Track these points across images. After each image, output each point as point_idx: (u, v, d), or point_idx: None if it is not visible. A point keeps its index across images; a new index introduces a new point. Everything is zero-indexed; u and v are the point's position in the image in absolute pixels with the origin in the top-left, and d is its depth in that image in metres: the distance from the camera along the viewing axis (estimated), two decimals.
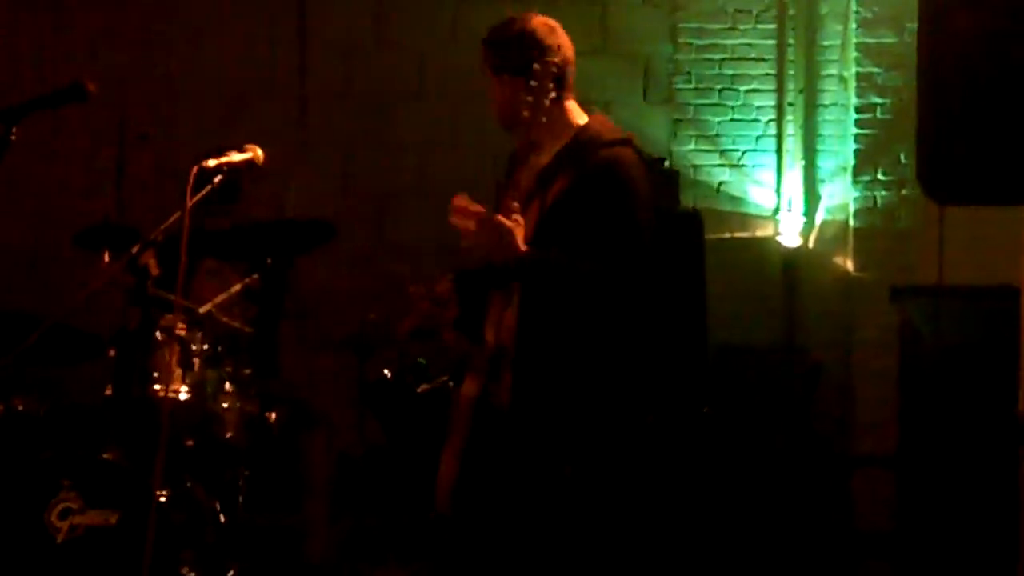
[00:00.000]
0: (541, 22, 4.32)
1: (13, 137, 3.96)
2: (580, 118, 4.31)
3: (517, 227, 4.12)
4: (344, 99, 7.61)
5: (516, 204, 4.18)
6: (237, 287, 5.72)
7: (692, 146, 7.64)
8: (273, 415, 5.67)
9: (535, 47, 4.26)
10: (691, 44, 7.72)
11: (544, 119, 4.28)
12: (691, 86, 7.70)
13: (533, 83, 4.25)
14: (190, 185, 4.14)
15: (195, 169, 4.20)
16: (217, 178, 4.34)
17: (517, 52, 4.27)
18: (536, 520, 4.15)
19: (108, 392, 5.36)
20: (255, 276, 5.72)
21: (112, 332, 5.49)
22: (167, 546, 4.89)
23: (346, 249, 6.82)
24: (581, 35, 7.32)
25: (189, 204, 4.13)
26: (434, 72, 7.61)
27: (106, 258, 5.42)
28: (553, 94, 4.26)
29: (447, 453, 4.41)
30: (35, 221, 7.42)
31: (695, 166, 7.60)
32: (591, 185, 4.12)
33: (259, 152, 4.47)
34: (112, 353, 5.41)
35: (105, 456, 5.15)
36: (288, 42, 7.67)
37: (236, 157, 4.40)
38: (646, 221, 4.15)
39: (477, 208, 4.23)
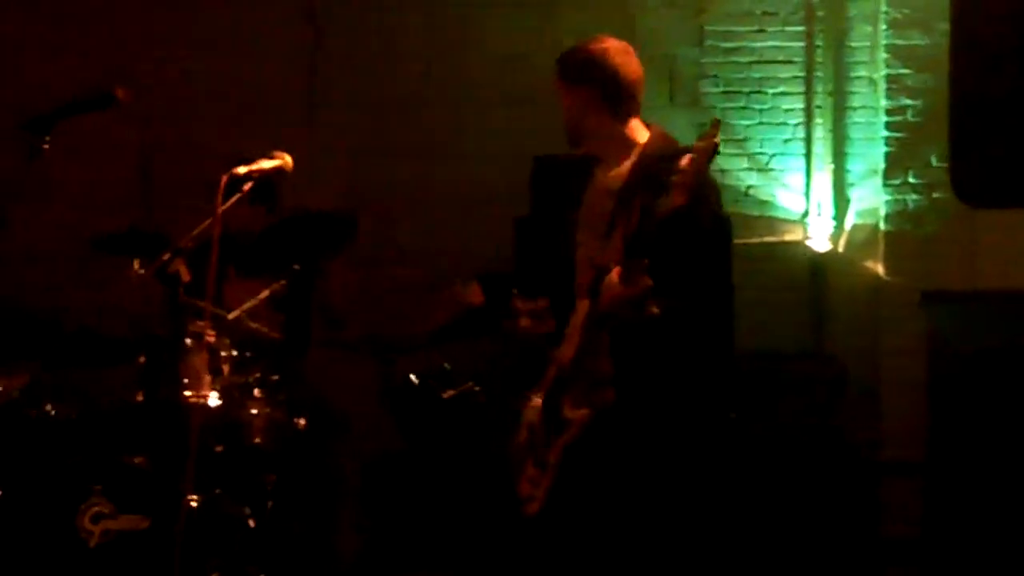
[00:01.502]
0: (611, 44, 4.52)
1: (46, 145, 3.98)
2: (642, 135, 4.50)
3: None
4: (353, 106, 7.61)
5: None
6: (265, 293, 5.72)
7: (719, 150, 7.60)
8: (301, 421, 5.67)
9: (597, 67, 4.46)
10: (718, 47, 7.70)
11: (606, 135, 4.49)
12: (718, 89, 7.68)
13: (594, 100, 4.46)
14: (220, 192, 4.15)
15: (225, 176, 4.20)
16: (247, 185, 4.34)
17: (580, 71, 4.49)
18: (636, 517, 4.36)
19: (138, 398, 5.38)
20: (282, 282, 5.72)
21: (142, 338, 5.50)
22: (196, 551, 4.89)
23: (354, 254, 6.82)
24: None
25: (219, 211, 4.14)
26: (441, 79, 7.61)
27: (135, 265, 5.42)
28: (613, 112, 4.48)
29: (533, 460, 4.53)
30: (62, 227, 7.43)
31: (722, 170, 7.54)
32: (680, 224, 4.17)
33: (288, 159, 4.48)
34: (142, 359, 5.43)
35: (135, 461, 5.17)
36: (300, 49, 7.69)
37: (266, 164, 4.42)
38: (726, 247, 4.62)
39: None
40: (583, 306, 4.43)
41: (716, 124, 4.04)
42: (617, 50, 4.50)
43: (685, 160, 4.01)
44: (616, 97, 4.47)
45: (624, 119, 4.50)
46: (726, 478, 6.37)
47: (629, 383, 4.35)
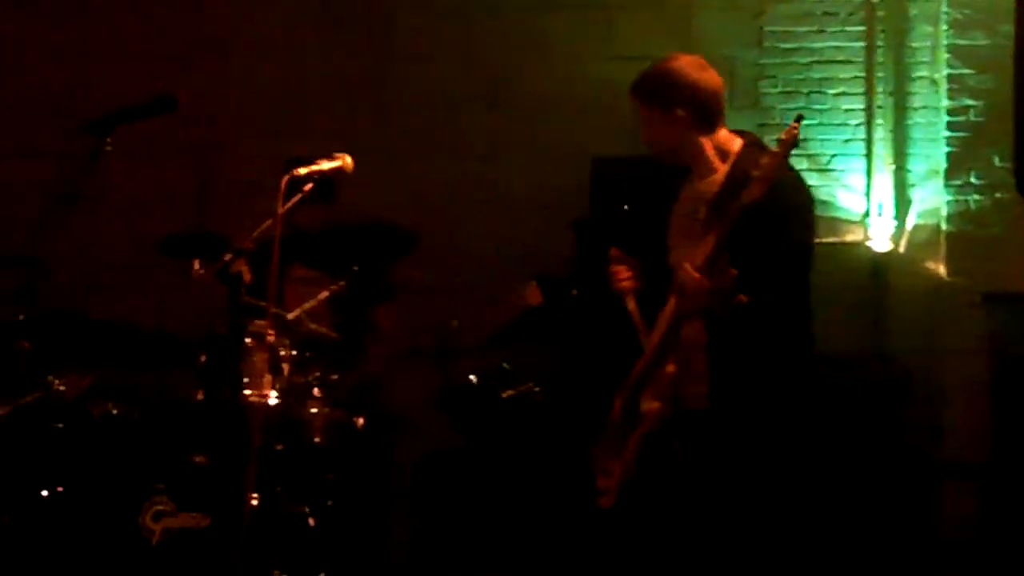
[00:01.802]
0: (687, 61, 4.55)
1: (108, 148, 4.03)
2: (734, 143, 4.54)
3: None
4: (421, 106, 7.63)
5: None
6: (324, 293, 5.76)
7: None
8: (360, 420, 5.69)
9: (680, 88, 4.48)
10: (777, 48, 7.68)
11: (698, 150, 4.52)
12: (777, 90, 7.67)
13: (673, 116, 4.48)
14: (282, 193, 4.17)
15: (287, 178, 4.22)
16: (308, 186, 4.37)
17: (664, 94, 4.49)
18: (729, 512, 4.45)
19: (199, 397, 5.42)
20: (342, 283, 5.76)
21: (203, 338, 5.54)
22: (257, 550, 4.93)
23: (421, 256, 6.83)
24: (665, 39, 7.45)
25: (281, 212, 4.16)
26: (504, 82, 7.62)
27: (196, 266, 5.46)
28: (704, 128, 4.51)
29: (611, 455, 4.61)
30: (121, 229, 7.50)
31: None
32: (761, 216, 4.25)
33: (348, 160, 4.51)
34: (203, 358, 5.47)
35: (196, 460, 5.21)
36: (366, 48, 7.72)
37: (326, 165, 4.44)
38: (810, 240, 4.50)
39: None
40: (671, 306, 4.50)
41: (799, 119, 4.16)
42: (694, 66, 4.55)
43: (766, 156, 4.15)
44: (704, 113, 4.51)
45: (714, 131, 4.54)
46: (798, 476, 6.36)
47: (724, 380, 4.41)
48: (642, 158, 6.77)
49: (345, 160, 4.49)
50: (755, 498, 4.46)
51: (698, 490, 4.45)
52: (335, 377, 5.67)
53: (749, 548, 4.48)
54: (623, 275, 4.64)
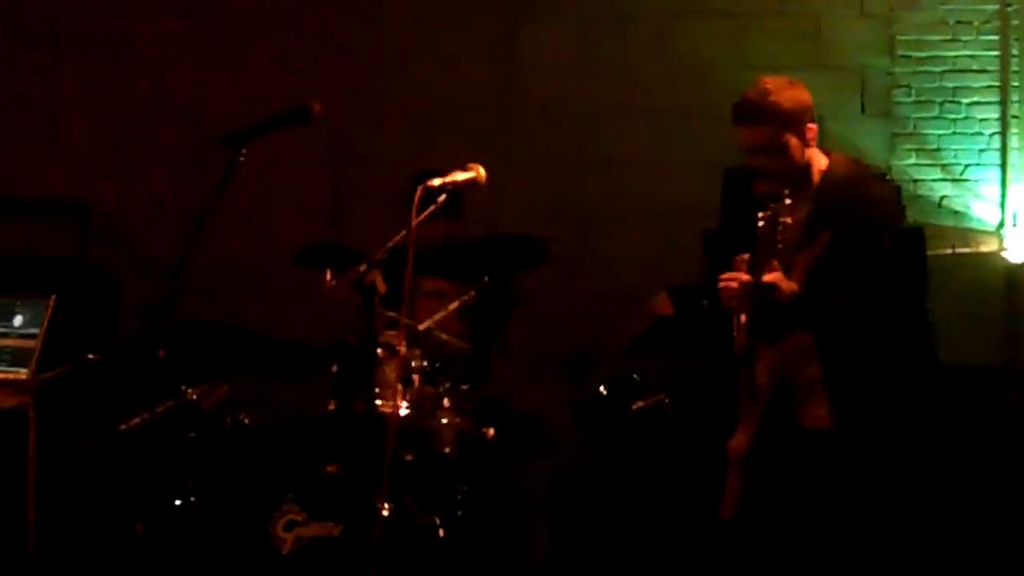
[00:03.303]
0: (777, 82, 4.56)
1: (242, 159, 4.06)
2: (822, 161, 4.58)
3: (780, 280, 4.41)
4: (550, 116, 7.63)
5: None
6: (455, 304, 5.78)
7: (912, 160, 7.51)
8: (490, 431, 5.70)
9: (778, 110, 4.50)
10: (910, 56, 7.59)
11: (792, 170, 4.54)
12: (910, 99, 7.58)
13: (804, 134, 4.52)
14: (415, 204, 4.18)
15: (420, 189, 4.23)
16: (441, 197, 4.38)
17: (762, 115, 4.51)
18: (856, 531, 4.47)
19: (331, 407, 5.46)
20: (472, 294, 5.77)
21: (334, 348, 5.58)
22: (387, 560, 4.95)
23: (551, 266, 6.83)
24: (797, 49, 7.41)
25: (414, 223, 4.18)
26: (633, 90, 7.59)
27: (328, 276, 5.50)
28: (799, 147, 4.53)
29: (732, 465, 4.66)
30: (257, 240, 7.58)
31: (915, 180, 7.47)
32: (855, 234, 4.42)
33: (481, 171, 4.51)
34: (334, 369, 5.51)
35: (328, 470, 5.24)
36: (495, 59, 7.74)
37: (459, 176, 4.44)
38: (899, 251, 4.52)
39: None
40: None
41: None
42: (782, 85, 4.55)
43: None
44: (800, 130, 4.52)
45: (807, 149, 4.56)
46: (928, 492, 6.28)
47: (845, 396, 4.45)
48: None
49: (478, 171, 4.49)
50: (885, 515, 4.47)
51: (824, 508, 4.46)
52: (465, 388, 5.68)
53: (878, 566, 4.46)
54: (734, 288, 4.54)
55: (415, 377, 5.52)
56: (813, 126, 4.54)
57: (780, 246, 4.40)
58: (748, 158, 4.58)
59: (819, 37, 7.53)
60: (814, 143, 4.56)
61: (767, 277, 4.35)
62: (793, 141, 4.50)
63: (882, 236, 4.45)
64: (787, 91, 4.51)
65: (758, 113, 4.50)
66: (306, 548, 5.13)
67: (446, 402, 5.59)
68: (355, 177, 7.72)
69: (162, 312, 5.01)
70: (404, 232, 4.21)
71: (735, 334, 4.54)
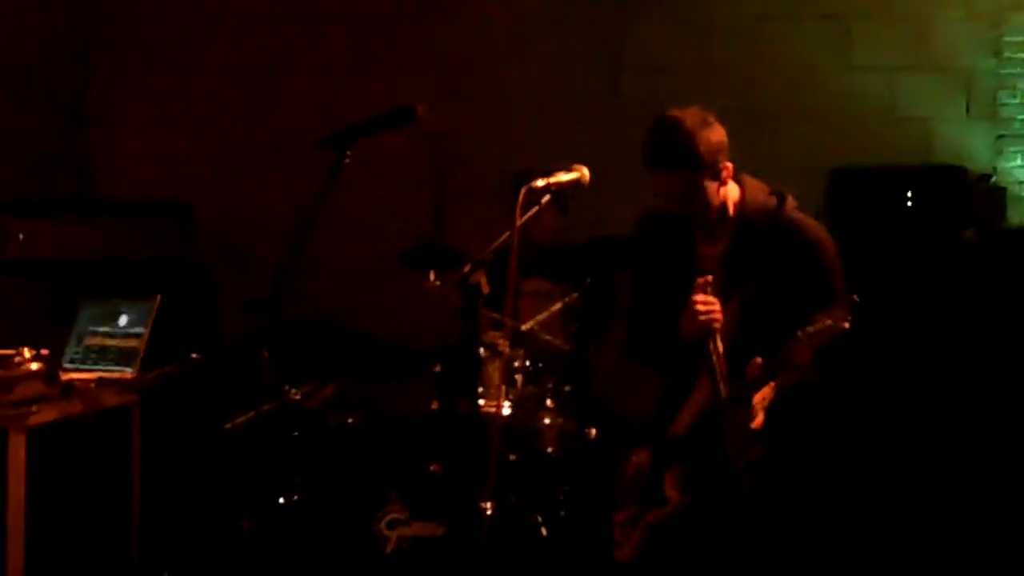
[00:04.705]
0: (696, 124, 4.39)
1: (347, 160, 4.08)
2: (735, 192, 4.46)
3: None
4: (649, 119, 7.58)
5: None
6: (557, 305, 5.79)
7: (1018, 162, 7.40)
8: (592, 431, 5.70)
9: (695, 156, 4.34)
10: (1016, 58, 7.49)
11: (710, 207, 4.40)
12: (1016, 101, 7.47)
13: (699, 186, 4.36)
14: (519, 205, 4.18)
15: (524, 190, 4.23)
16: (545, 198, 4.37)
17: (680, 162, 4.36)
18: None
19: (434, 406, 5.48)
20: (575, 295, 5.77)
21: (437, 348, 5.61)
22: (490, 559, 4.95)
23: None
24: (902, 51, 7.34)
25: (518, 224, 4.18)
26: (736, 91, 7.52)
27: (431, 277, 5.53)
28: (716, 189, 4.39)
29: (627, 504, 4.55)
30: (361, 241, 7.63)
31: (1020, 182, 7.36)
32: (793, 259, 4.31)
33: (585, 172, 4.49)
34: (437, 368, 5.53)
35: (431, 469, 5.27)
36: (599, 61, 7.74)
37: (564, 177, 4.42)
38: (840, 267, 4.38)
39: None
40: (706, 383, 4.34)
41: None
42: (697, 126, 4.39)
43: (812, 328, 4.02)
44: (717, 172, 4.37)
45: (723, 187, 4.42)
46: None
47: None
48: (880, 169, 6.72)
49: (582, 172, 4.47)
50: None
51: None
52: (568, 388, 5.68)
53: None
54: (715, 308, 4.31)
55: (518, 377, 5.56)
56: (729, 165, 4.40)
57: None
58: (665, 201, 4.43)
59: (925, 39, 7.44)
60: (728, 180, 4.42)
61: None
62: (711, 185, 4.35)
63: (832, 264, 4.35)
64: (702, 133, 4.35)
65: (675, 160, 4.35)
66: (409, 547, 5.16)
67: (549, 402, 5.62)
68: (458, 179, 7.75)
69: (267, 313, 5.05)
70: (509, 232, 4.20)
71: (714, 359, 4.34)
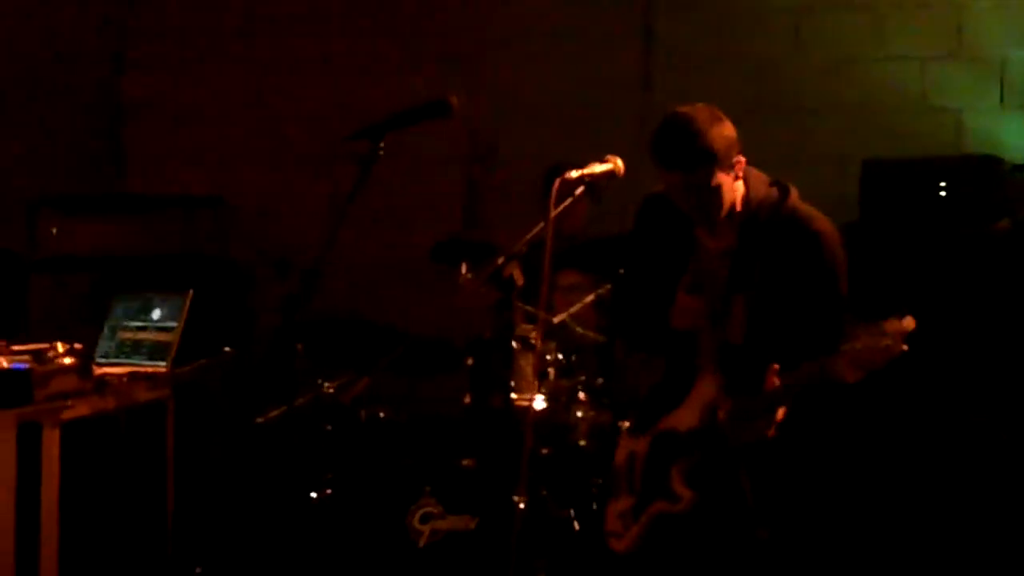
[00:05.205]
0: (708, 120, 4.20)
1: (381, 152, 4.07)
2: (740, 186, 4.30)
3: None
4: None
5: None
6: (590, 297, 5.77)
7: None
8: (625, 424, 5.68)
9: (711, 152, 4.16)
10: None
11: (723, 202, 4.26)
12: None
13: (715, 183, 4.19)
14: (553, 197, 4.17)
15: (558, 181, 4.22)
16: (579, 190, 4.36)
17: (695, 160, 4.17)
18: None
19: (467, 400, 5.48)
20: (607, 286, 5.75)
21: (470, 342, 5.60)
22: (523, 553, 4.94)
23: None
24: (934, 39, 7.29)
25: (552, 215, 4.17)
26: (770, 83, 7.51)
27: (463, 270, 5.51)
28: (731, 185, 4.26)
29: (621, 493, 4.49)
30: (394, 234, 7.63)
31: None
32: (797, 252, 4.21)
33: (619, 163, 4.46)
34: (470, 362, 5.53)
35: (464, 463, 5.26)
36: (631, 54, 7.72)
37: (597, 169, 4.41)
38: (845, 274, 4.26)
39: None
40: (708, 379, 4.28)
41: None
42: (709, 122, 4.19)
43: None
44: (732, 167, 4.23)
45: (736, 182, 4.29)
46: None
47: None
48: (913, 160, 6.67)
49: (616, 163, 4.45)
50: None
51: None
52: (600, 381, 5.67)
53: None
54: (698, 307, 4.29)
55: (551, 371, 5.54)
56: (742, 159, 4.25)
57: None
58: (677, 199, 4.26)
59: (958, 27, 7.39)
60: (741, 175, 4.27)
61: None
62: (727, 180, 4.20)
63: (834, 257, 4.24)
64: (716, 129, 4.17)
65: (691, 160, 4.15)
66: (442, 541, 5.15)
67: (581, 395, 5.60)
68: (490, 172, 7.75)
69: (299, 307, 5.06)
70: (542, 224, 4.19)
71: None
